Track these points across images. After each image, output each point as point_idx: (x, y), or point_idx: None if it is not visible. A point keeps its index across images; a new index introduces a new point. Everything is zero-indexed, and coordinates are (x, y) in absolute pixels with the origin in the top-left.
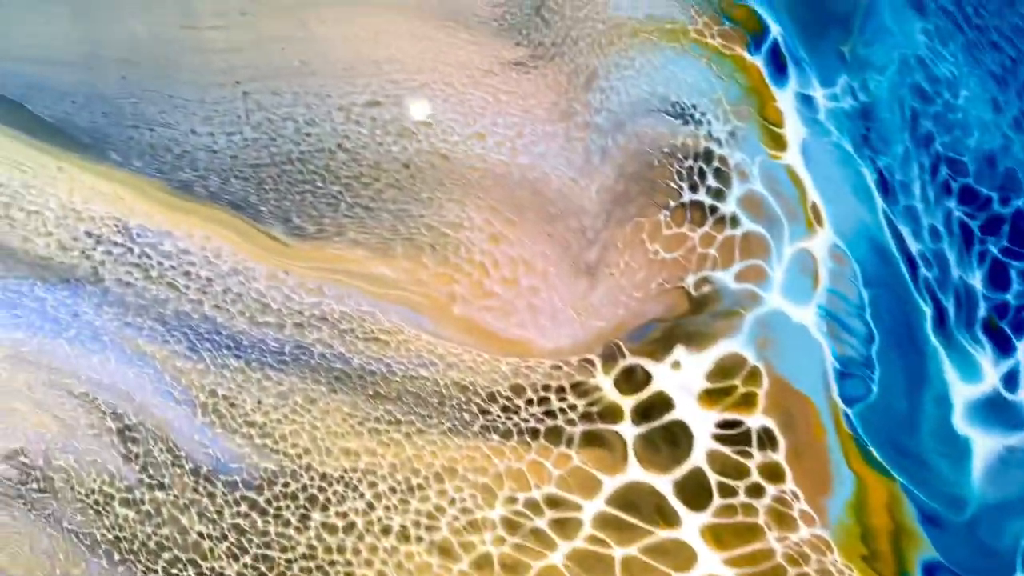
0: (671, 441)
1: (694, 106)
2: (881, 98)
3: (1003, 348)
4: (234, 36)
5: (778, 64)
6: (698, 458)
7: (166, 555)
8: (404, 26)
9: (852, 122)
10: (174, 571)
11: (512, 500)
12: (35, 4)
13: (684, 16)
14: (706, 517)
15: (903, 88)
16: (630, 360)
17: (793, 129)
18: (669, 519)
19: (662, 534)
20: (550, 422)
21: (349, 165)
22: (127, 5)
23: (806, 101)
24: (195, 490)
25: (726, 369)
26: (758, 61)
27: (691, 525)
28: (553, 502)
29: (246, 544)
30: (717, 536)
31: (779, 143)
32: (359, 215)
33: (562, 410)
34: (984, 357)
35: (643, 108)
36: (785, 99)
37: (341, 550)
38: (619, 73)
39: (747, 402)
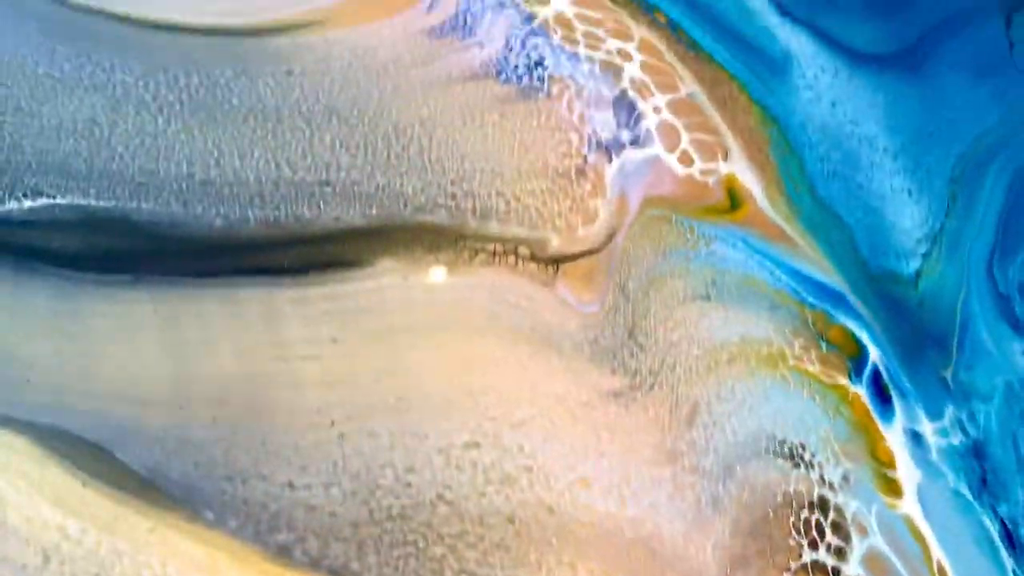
0: None
1: (802, 446)
2: (992, 432)
3: None
4: (327, 367)
5: (882, 395)
6: None
7: None
8: (498, 352)
9: (966, 462)
10: None
11: None
12: (119, 334)
13: (780, 338)
14: None
15: (1013, 419)
16: None
17: (907, 472)
18: None
19: None
20: None
21: (451, 521)
22: (216, 334)
23: (916, 439)
24: None
25: None
26: (861, 391)
27: None
28: None
29: None
30: None
31: (894, 489)
32: None
33: None
34: None
35: (751, 449)
36: (894, 436)
37: None
38: (721, 406)
39: None
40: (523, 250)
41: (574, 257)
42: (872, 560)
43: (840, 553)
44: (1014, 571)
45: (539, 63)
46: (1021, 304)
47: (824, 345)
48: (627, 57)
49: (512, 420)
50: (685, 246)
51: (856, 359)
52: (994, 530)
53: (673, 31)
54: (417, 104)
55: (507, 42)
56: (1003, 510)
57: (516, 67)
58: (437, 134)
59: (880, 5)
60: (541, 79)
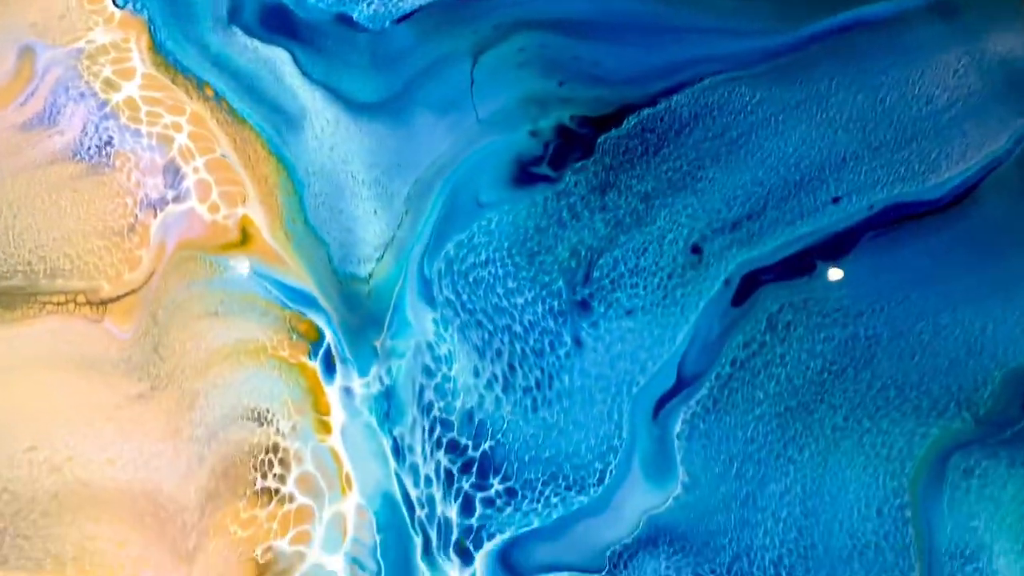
0: None
1: (267, 409)
2: (399, 380)
3: (466, 560)
4: None
5: (329, 365)
6: None
7: None
8: (54, 379)
9: (378, 403)
10: None
11: None
12: None
13: (263, 336)
14: None
15: (415, 369)
16: None
17: (337, 416)
18: None
19: None
20: None
21: (11, 503)
22: None
23: (347, 392)
24: None
25: None
26: (316, 365)
27: None
28: None
29: None
30: None
31: (326, 429)
32: (20, 544)
33: None
34: (453, 570)
35: (230, 418)
36: (332, 392)
37: None
38: (215, 391)
39: None
40: (80, 298)
41: (119, 297)
42: (302, 480)
43: (282, 479)
44: (395, 470)
45: (108, 142)
46: (437, 285)
47: (294, 336)
48: (179, 129)
49: (61, 426)
50: (205, 276)
51: (316, 343)
52: (388, 446)
53: (218, 102)
54: (6, 190)
55: (84, 127)
56: (396, 431)
57: (89, 148)
58: (21, 214)
59: (381, 59)
60: (108, 155)
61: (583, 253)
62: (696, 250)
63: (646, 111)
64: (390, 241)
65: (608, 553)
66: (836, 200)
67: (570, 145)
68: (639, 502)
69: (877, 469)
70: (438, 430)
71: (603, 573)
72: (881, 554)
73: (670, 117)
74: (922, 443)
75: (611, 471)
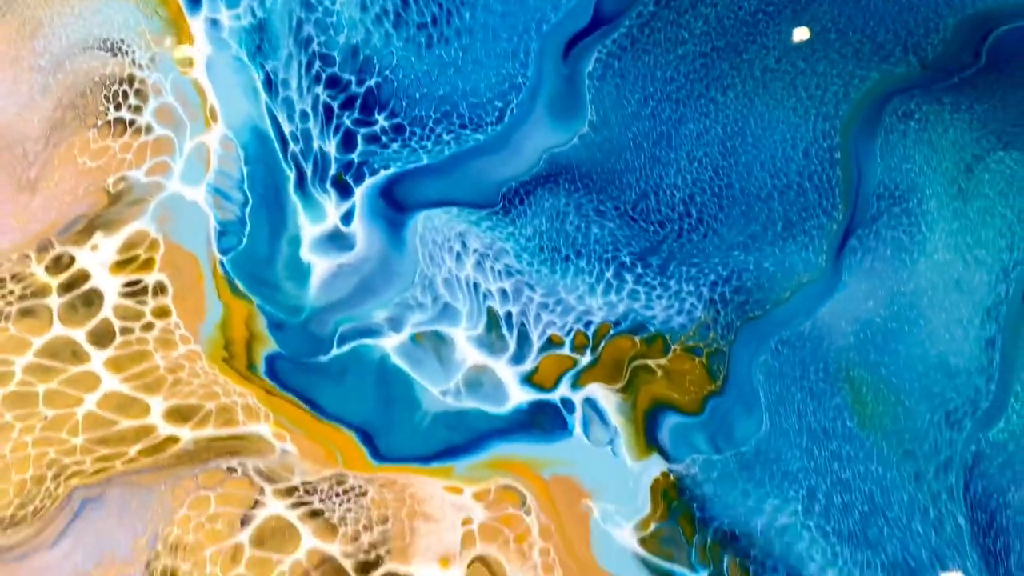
0: (87, 303)
1: (122, 40)
2: (274, 12)
3: (344, 194)
4: None
5: None
6: (107, 311)
7: None
8: None
9: (249, 36)
10: None
11: None
12: None
13: None
14: (109, 352)
15: (293, 2)
16: (59, 249)
17: (202, 48)
18: (81, 358)
19: (75, 369)
20: None
21: None
22: None
23: (214, 24)
24: None
25: (132, 244)
26: None
27: (98, 359)
28: None
29: None
30: (117, 364)
31: (189, 61)
32: None
33: (3, 295)
34: (329, 203)
35: (79, 47)
36: (197, 24)
37: None
38: (61, 20)
39: (147, 265)
40: None
41: None
42: (161, 111)
43: (137, 110)
44: (267, 104)
45: None
46: None
47: None
48: None
49: None
50: None
51: None
52: (259, 80)
53: None
54: None
55: None
56: (269, 65)
57: None
58: None
59: None
60: None
61: None
62: None
63: None
64: None
65: (503, 190)
66: None
67: None
68: (540, 140)
69: (808, 111)
70: (317, 65)
71: (496, 208)
72: (803, 194)
73: None
74: (860, 86)
75: (512, 110)
